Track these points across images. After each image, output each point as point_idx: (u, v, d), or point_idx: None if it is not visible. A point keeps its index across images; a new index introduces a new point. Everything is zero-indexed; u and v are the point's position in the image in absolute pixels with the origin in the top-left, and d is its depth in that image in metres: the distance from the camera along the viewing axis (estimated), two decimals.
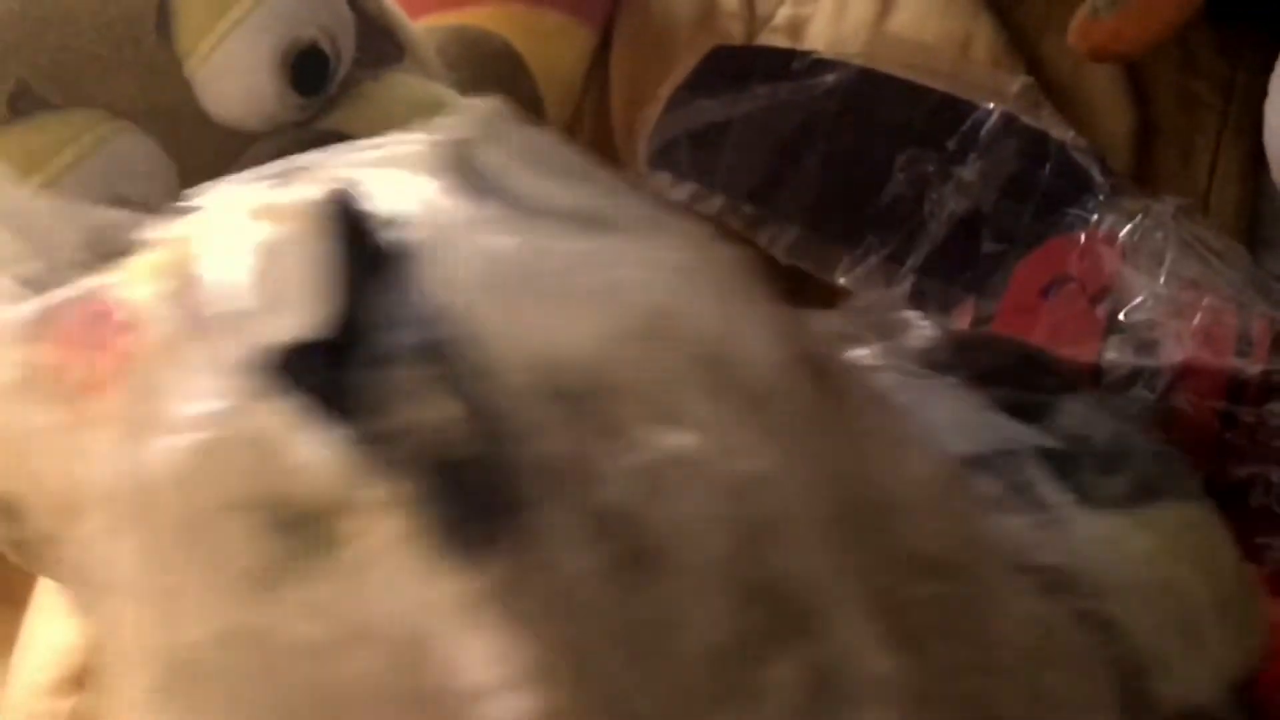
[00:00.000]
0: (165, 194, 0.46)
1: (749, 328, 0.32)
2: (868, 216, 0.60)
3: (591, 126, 0.67)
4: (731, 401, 0.30)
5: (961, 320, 0.57)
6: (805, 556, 0.29)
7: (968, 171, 0.59)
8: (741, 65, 0.63)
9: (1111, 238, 0.57)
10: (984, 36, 0.62)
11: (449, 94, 0.54)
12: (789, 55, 0.62)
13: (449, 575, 0.27)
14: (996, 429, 0.41)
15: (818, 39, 0.63)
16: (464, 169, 0.32)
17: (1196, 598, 0.39)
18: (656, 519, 0.28)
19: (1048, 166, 0.59)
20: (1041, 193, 0.59)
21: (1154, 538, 0.40)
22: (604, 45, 0.67)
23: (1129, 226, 0.57)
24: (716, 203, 0.61)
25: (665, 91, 0.63)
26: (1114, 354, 0.54)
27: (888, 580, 0.31)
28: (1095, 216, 0.58)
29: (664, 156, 0.62)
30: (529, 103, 0.62)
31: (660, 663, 0.28)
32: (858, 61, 0.62)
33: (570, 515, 0.28)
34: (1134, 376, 0.53)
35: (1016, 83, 0.61)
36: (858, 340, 0.42)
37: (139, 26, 0.48)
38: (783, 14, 0.65)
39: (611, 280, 0.30)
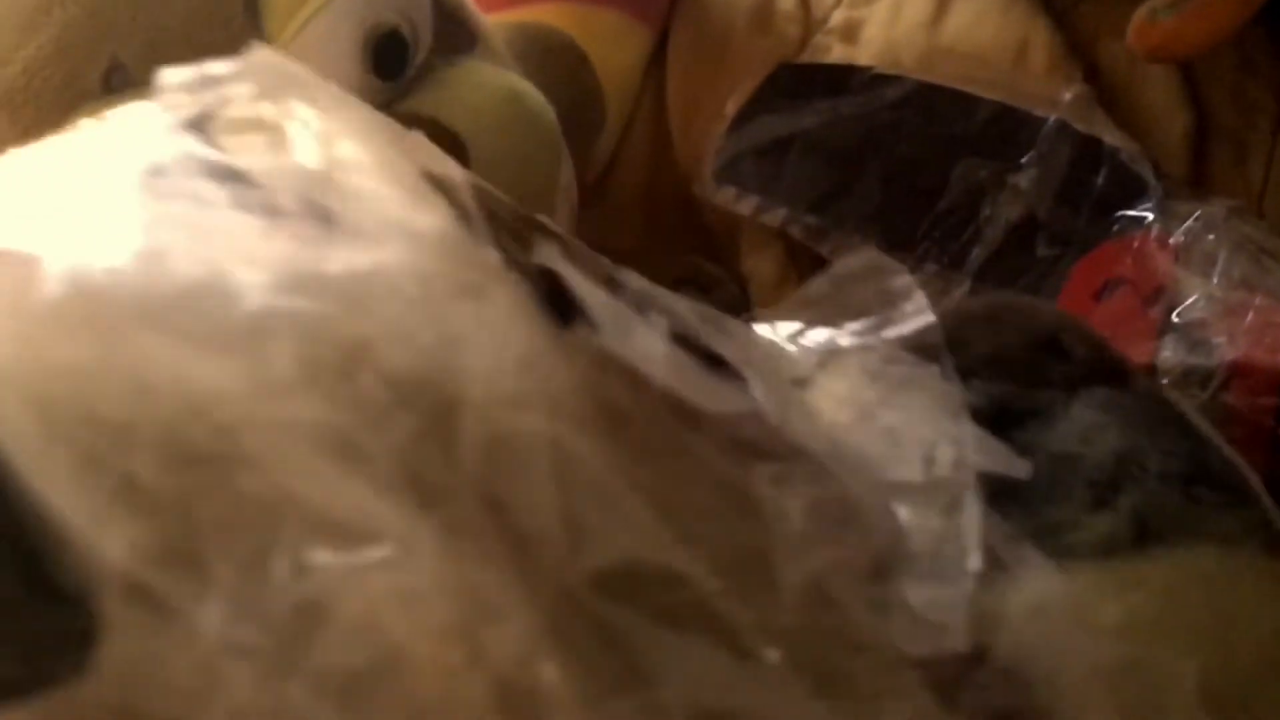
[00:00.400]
0: None
1: (489, 365, 0.25)
2: (926, 224, 0.61)
3: (647, 125, 0.67)
4: (436, 478, 0.23)
5: None
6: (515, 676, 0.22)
7: (1023, 178, 0.61)
8: (804, 82, 0.64)
9: (1165, 240, 0.57)
10: (1041, 41, 0.63)
11: (521, 82, 0.56)
12: (849, 71, 0.64)
13: None
14: (953, 446, 0.31)
15: (872, 41, 0.64)
16: None
17: (1182, 688, 0.29)
18: None
19: (1102, 172, 0.60)
20: (1095, 197, 0.60)
21: (1138, 601, 0.30)
22: (661, 45, 0.67)
23: (1182, 229, 0.57)
24: (780, 215, 0.63)
25: (730, 109, 0.64)
26: (1168, 354, 0.54)
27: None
28: (1149, 220, 0.58)
29: (729, 171, 0.64)
30: (592, 99, 0.63)
31: None
32: (915, 75, 0.63)
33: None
34: (1187, 376, 0.53)
35: (1070, 90, 0.62)
36: (841, 316, 0.35)
37: (228, 9, 0.50)
38: (838, 16, 0.66)
39: (295, 302, 0.23)
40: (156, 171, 0.24)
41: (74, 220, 0.24)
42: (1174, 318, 0.55)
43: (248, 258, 0.23)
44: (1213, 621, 0.30)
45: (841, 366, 0.33)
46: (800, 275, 0.63)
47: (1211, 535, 0.31)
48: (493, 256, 0.25)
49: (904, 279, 0.34)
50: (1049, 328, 0.36)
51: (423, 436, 0.23)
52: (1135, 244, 0.58)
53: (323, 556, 0.22)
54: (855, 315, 0.34)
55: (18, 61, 0.50)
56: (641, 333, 0.26)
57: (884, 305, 0.34)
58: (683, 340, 0.28)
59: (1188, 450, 0.33)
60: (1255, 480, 0.34)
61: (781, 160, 0.63)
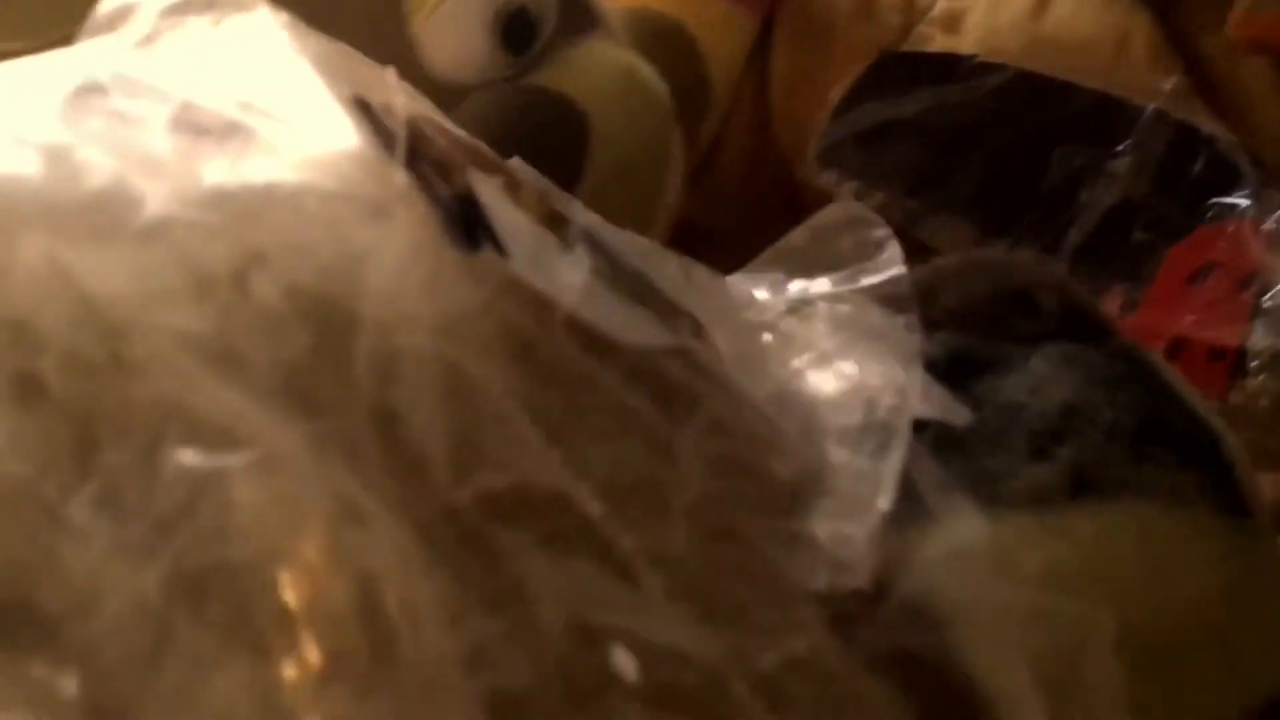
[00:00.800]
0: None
1: (389, 282, 0.25)
2: (1024, 208, 0.62)
3: (749, 111, 0.68)
4: (325, 388, 0.24)
5: (1110, 306, 0.58)
6: (373, 585, 0.23)
7: (1120, 165, 0.61)
8: (907, 70, 0.65)
9: (1259, 227, 0.57)
10: (1142, 33, 0.63)
11: (639, 62, 0.59)
12: (952, 59, 0.65)
13: None
14: (896, 392, 0.31)
15: (974, 30, 0.65)
16: None
17: (1096, 640, 0.29)
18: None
19: (1198, 159, 0.60)
20: (1191, 184, 0.60)
21: (1062, 551, 0.30)
22: (764, 33, 0.68)
23: (1276, 216, 0.57)
24: (879, 198, 0.64)
25: (835, 95, 0.65)
26: (1258, 337, 0.54)
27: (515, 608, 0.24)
28: (1243, 207, 0.58)
29: (831, 155, 0.65)
30: (700, 83, 0.65)
31: None
32: (1017, 64, 0.63)
33: None
34: (1276, 359, 0.53)
35: (1169, 80, 0.62)
36: (817, 267, 0.35)
37: None
38: (941, 6, 0.66)
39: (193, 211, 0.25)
40: (90, 89, 0.26)
41: None
42: (1265, 302, 0.55)
43: (154, 170, 0.24)
44: (1143, 576, 0.30)
45: (808, 315, 0.33)
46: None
47: (1157, 492, 0.31)
48: (403, 179, 0.26)
49: (882, 231, 0.35)
50: (1021, 283, 0.35)
51: (314, 349, 0.24)
52: (1229, 230, 0.58)
53: (196, 459, 0.23)
54: (831, 266, 0.35)
55: None
56: (561, 264, 0.28)
57: (860, 257, 0.35)
58: (615, 278, 0.29)
59: (1148, 408, 0.32)
60: (1233, 445, 0.33)
61: (882, 145, 0.64)
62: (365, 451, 0.24)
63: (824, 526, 0.28)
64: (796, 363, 0.32)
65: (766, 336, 0.33)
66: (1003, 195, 0.62)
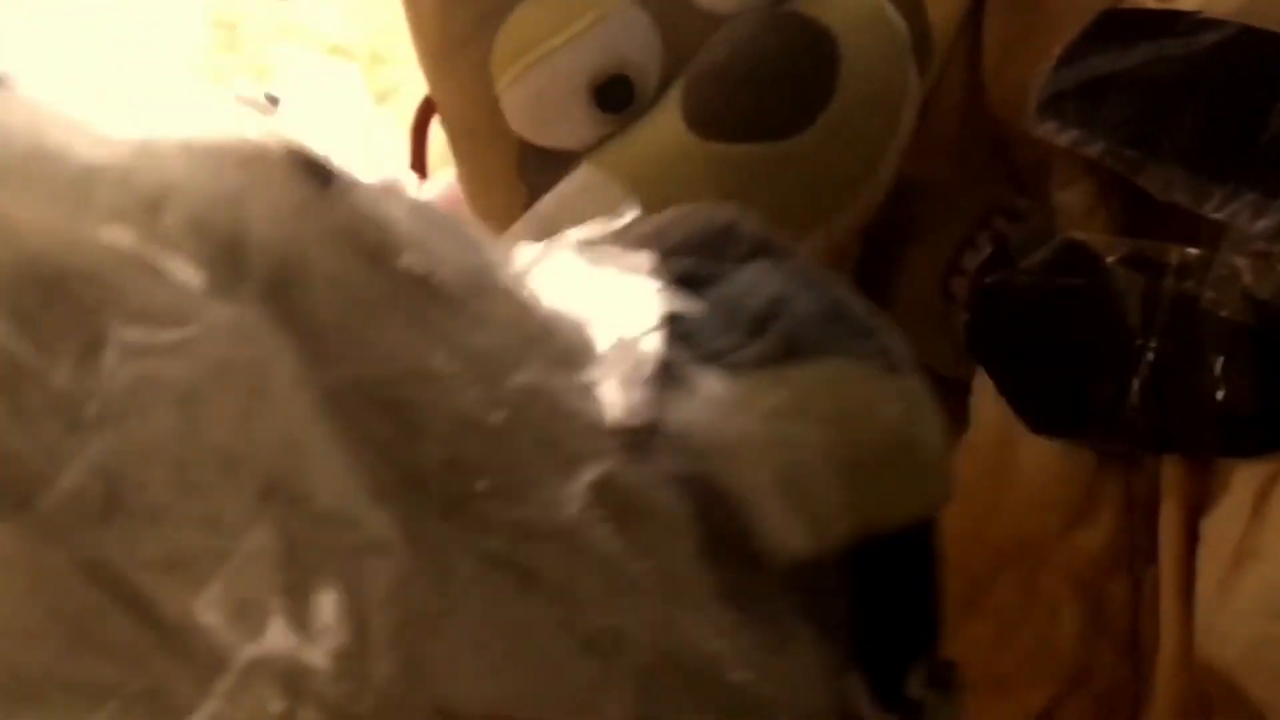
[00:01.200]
0: (653, 64, 0.60)
1: (272, 205, 0.32)
2: (1243, 159, 0.64)
3: (961, 71, 0.73)
4: (235, 278, 0.31)
5: None
6: (292, 428, 0.30)
7: None
8: (1128, 26, 0.68)
9: None
10: None
11: (885, 4, 0.64)
12: (1174, 15, 0.67)
13: None
14: (648, 298, 0.40)
15: None
16: None
17: (814, 455, 0.38)
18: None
19: None
20: None
21: (782, 396, 0.39)
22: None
23: None
24: (1099, 147, 0.66)
25: (1057, 50, 0.68)
26: None
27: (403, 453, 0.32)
28: None
29: (1051, 106, 0.67)
30: (924, 42, 0.68)
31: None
32: (1238, 20, 0.66)
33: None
34: None
35: None
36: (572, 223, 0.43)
37: None
38: None
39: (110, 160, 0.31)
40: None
41: None
42: None
43: (82, 133, 0.31)
44: (838, 411, 0.40)
45: (562, 256, 0.41)
46: (1110, 208, 0.68)
47: (843, 354, 0.41)
48: (269, 140, 0.33)
49: (616, 190, 0.44)
50: (725, 221, 0.45)
51: (216, 258, 0.31)
52: None
53: (144, 336, 0.30)
54: (583, 221, 0.44)
55: None
56: (387, 199, 0.35)
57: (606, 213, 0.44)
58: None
59: (829, 300, 0.43)
60: (885, 326, 0.44)
61: (1103, 97, 0.66)
62: (274, 331, 0.31)
63: (607, 385, 0.36)
64: (570, 289, 0.41)
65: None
66: (1221, 146, 0.64)
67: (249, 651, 0.29)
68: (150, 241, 0.30)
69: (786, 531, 0.37)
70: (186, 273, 0.31)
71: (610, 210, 0.44)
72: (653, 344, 0.38)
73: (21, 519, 0.30)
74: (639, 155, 0.61)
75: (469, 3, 0.63)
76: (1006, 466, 0.66)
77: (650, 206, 0.54)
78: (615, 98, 0.61)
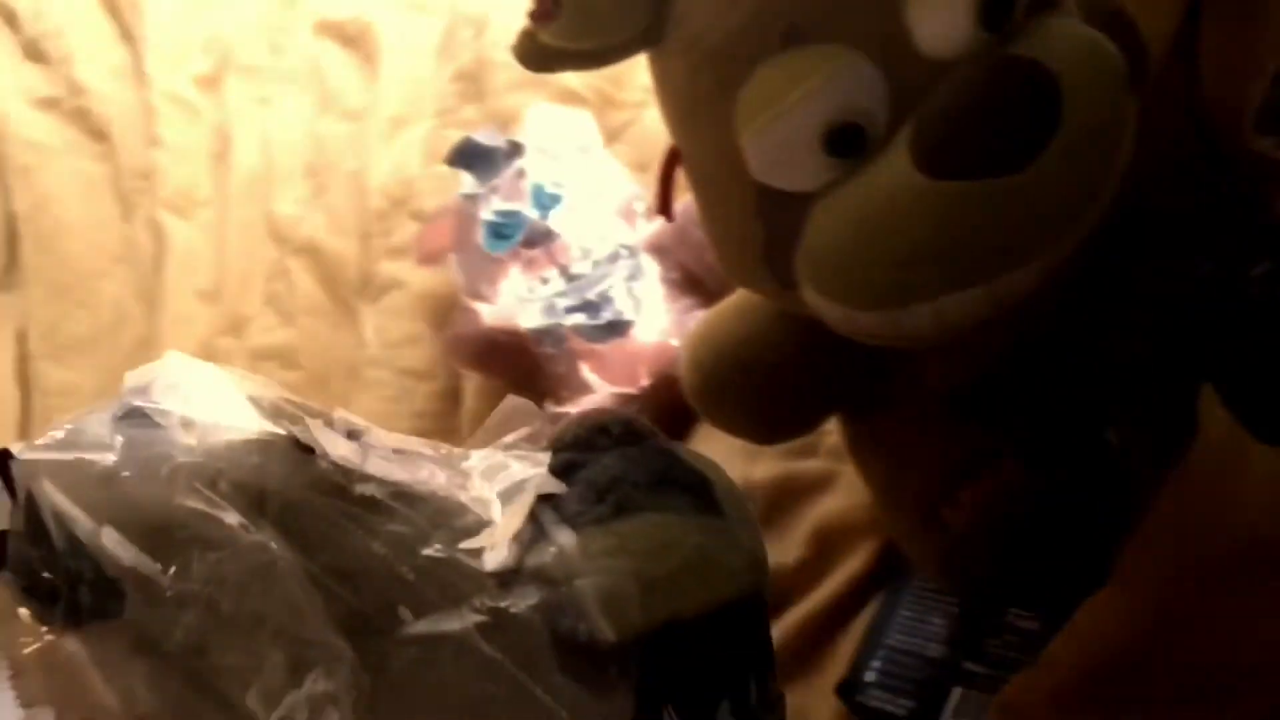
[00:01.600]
0: (881, 110, 0.63)
1: (279, 471, 0.57)
2: None
3: (1175, 87, 0.75)
4: (259, 516, 0.56)
5: None
6: (292, 597, 0.54)
7: None
8: None
9: None
10: None
11: (1099, 35, 0.66)
12: None
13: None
14: (532, 485, 0.63)
15: None
16: None
17: (623, 578, 0.61)
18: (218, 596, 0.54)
19: None
20: None
21: (610, 541, 0.61)
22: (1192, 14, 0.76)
23: None
24: None
25: (1271, 65, 0.70)
26: None
27: (355, 603, 0.56)
28: None
29: (1269, 120, 0.69)
30: (1140, 67, 0.69)
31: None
32: None
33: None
34: None
35: None
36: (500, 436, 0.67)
37: None
38: None
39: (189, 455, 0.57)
40: None
41: None
42: None
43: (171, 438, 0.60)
44: (647, 547, 0.63)
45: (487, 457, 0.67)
46: None
47: (660, 508, 0.64)
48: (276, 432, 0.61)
49: (532, 408, 0.69)
50: (600, 420, 0.69)
51: (248, 508, 0.58)
52: None
53: (212, 554, 0.57)
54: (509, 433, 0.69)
55: (720, 29, 0.67)
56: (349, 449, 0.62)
57: (527, 424, 0.69)
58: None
59: (660, 468, 0.66)
60: (703, 481, 0.67)
61: None
62: (282, 545, 0.58)
63: (489, 545, 0.61)
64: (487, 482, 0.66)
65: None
66: None
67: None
68: (212, 504, 0.57)
69: (602, 627, 0.60)
70: (233, 518, 0.57)
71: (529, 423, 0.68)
72: (520, 516, 0.63)
73: (154, 655, 0.57)
74: (870, 196, 0.65)
75: (714, 68, 0.67)
76: (1239, 469, 0.69)
77: (881, 242, 0.65)
78: (846, 144, 0.65)
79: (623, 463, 0.65)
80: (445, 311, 1.15)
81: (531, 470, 0.65)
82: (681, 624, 0.62)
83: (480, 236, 1.11)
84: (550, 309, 1.07)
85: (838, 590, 0.94)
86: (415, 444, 0.65)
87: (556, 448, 0.67)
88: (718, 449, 1.00)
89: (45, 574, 0.56)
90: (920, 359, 0.80)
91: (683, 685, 0.62)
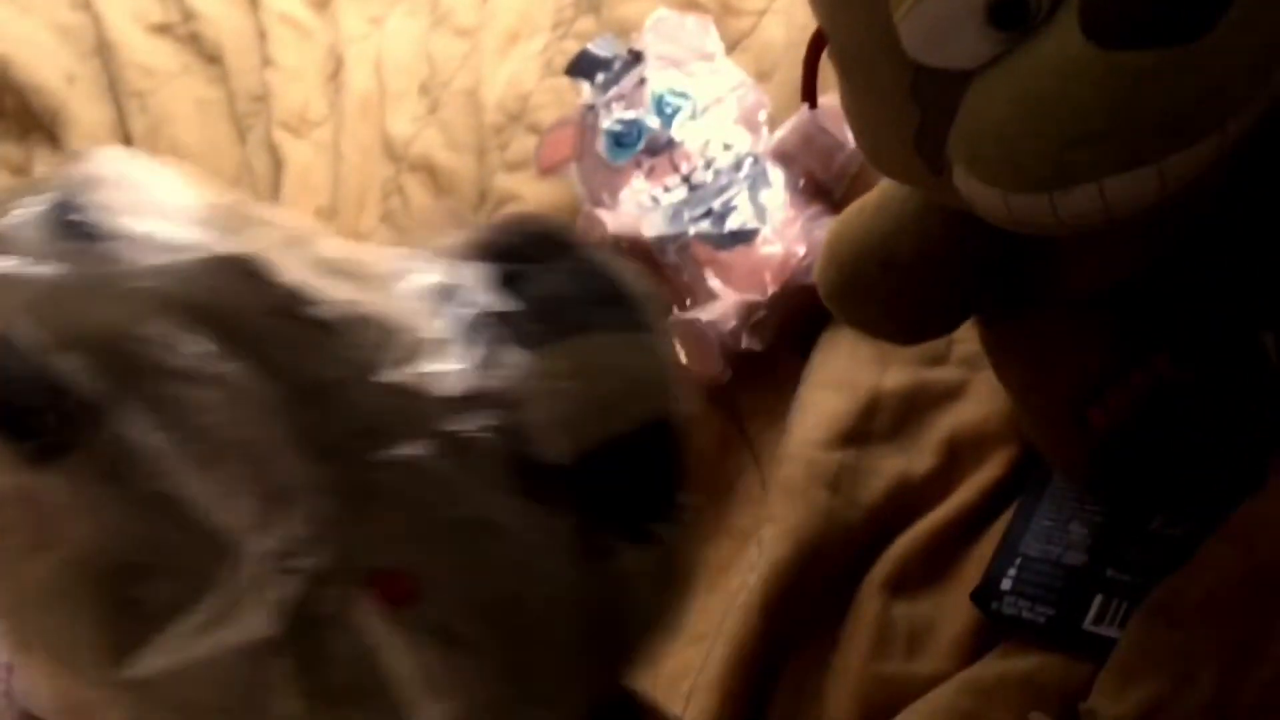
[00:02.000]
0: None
1: (236, 293, 0.56)
2: None
3: None
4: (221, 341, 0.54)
5: None
6: (264, 418, 0.54)
7: None
8: None
9: None
10: None
11: None
12: None
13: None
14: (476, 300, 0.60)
15: None
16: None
17: (577, 397, 0.60)
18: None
19: None
20: None
21: (562, 362, 0.60)
22: None
23: None
24: None
25: None
26: None
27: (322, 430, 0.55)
28: None
29: None
30: None
31: None
32: None
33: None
34: None
35: None
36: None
37: None
38: None
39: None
40: None
41: None
42: None
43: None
44: (591, 368, 0.61)
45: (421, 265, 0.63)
46: None
47: (602, 328, 0.63)
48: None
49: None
50: (537, 229, 0.67)
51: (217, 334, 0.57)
52: None
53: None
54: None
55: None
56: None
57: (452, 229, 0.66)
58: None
59: (602, 284, 0.64)
60: (640, 297, 0.64)
61: None
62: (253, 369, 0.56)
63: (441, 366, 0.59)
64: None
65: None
66: None
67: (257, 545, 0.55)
68: (173, 330, 0.55)
69: (555, 445, 0.60)
70: (195, 344, 0.55)
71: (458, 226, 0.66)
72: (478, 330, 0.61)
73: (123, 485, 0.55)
74: (1034, 69, 0.62)
75: None
76: None
77: (1046, 118, 0.62)
78: (1010, 15, 0.62)
79: (567, 279, 0.64)
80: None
81: (460, 277, 0.64)
82: (620, 440, 0.62)
83: (601, 146, 1.11)
84: (674, 217, 1.07)
85: (970, 499, 0.92)
86: (338, 251, 0.63)
87: (488, 256, 0.65)
88: (843, 359, 1.02)
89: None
90: (1071, 252, 0.77)
91: (618, 500, 0.62)
